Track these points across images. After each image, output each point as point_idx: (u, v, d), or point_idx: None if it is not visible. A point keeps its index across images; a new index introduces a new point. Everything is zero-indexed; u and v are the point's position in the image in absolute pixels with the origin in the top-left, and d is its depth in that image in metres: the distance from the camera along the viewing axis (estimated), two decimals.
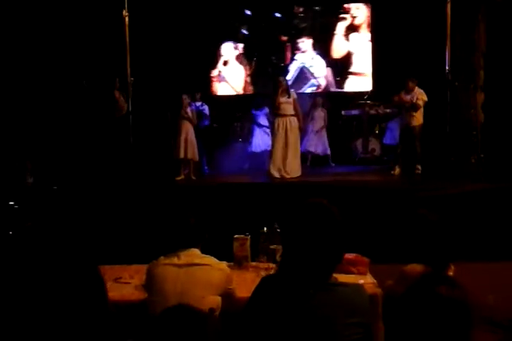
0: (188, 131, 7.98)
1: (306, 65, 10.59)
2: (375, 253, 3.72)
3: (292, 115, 7.58)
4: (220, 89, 10.70)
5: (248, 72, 10.63)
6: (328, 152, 9.44)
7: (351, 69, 10.52)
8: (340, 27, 10.48)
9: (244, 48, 10.67)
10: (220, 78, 10.68)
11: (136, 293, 3.01)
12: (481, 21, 7.75)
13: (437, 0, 7.50)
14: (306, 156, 9.17)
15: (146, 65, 8.66)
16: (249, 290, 2.03)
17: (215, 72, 10.65)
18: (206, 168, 8.99)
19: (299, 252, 1.86)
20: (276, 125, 7.61)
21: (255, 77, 10.60)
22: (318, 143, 9.40)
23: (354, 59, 10.47)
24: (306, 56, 10.61)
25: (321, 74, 10.44)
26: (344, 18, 10.44)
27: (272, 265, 3.37)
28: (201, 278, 2.66)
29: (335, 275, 1.95)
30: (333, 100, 10.06)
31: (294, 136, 7.61)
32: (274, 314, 1.85)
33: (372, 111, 9.75)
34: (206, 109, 8.93)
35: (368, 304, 1.93)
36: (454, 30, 7.45)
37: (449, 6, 7.28)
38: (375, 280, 3.17)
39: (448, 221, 2.92)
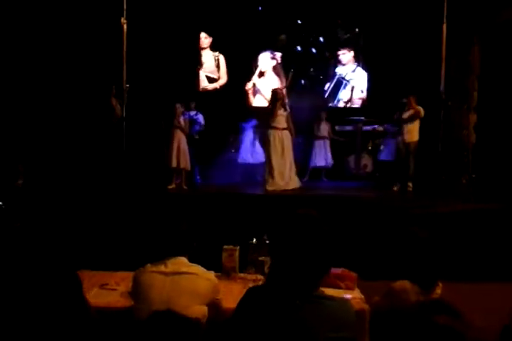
0: (181, 140, 7.99)
1: (346, 78, 10.51)
2: (364, 269, 3.72)
3: (285, 128, 7.67)
4: (256, 101, 10.56)
5: (284, 84, 10.41)
6: (329, 164, 9.53)
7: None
8: None
9: (282, 58, 10.51)
10: (255, 90, 10.56)
11: (122, 300, 2.98)
12: (476, 43, 7.85)
13: (434, 22, 7.58)
14: (317, 170, 9.34)
15: (142, 73, 8.68)
16: (236, 302, 2.02)
17: (249, 85, 10.54)
18: (198, 177, 8.99)
19: (286, 262, 1.85)
20: (271, 137, 7.65)
21: (290, 89, 10.32)
22: (326, 156, 9.54)
23: None
24: (346, 69, 10.48)
25: (363, 86, 10.30)
26: None
27: (260, 276, 3.35)
28: (187, 286, 2.64)
29: (322, 289, 1.94)
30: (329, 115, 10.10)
31: (288, 148, 7.69)
32: (259, 325, 1.84)
33: (366, 128, 9.80)
34: (200, 118, 8.97)
35: (354, 319, 1.92)
36: (450, 51, 7.54)
37: (444, 27, 7.37)
38: (362, 296, 3.16)
39: (437, 239, 2.93)
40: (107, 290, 3.16)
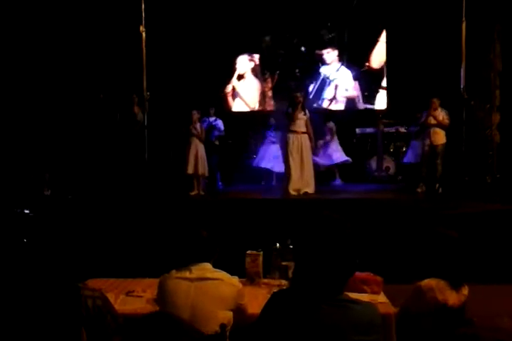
0: (198, 146, 7.99)
1: (330, 78, 10.46)
2: (389, 272, 3.69)
3: (304, 132, 7.61)
4: (235, 105, 10.67)
5: (270, 85, 10.46)
6: (344, 158, 9.37)
7: (384, 84, 10.35)
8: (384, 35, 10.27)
9: (261, 59, 10.46)
10: (235, 94, 10.62)
11: (148, 306, 3.01)
12: (496, 40, 7.75)
13: (453, 19, 7.52)
14: (327, 172, 9.25)
15: (162, 81, 8.77)
16: (261, 307, 2.02)
17: (229, 88, 10.58)
18: (220, 183, 9.02)
19: (311, 265, 1.85)
20: (291, 142, 7.57)
21: (276, 91, 10.37)
22: (334, 153, 9.35)
23: (388, 72, 10.31)
24: (330, 68, 10.42)
25: (348, 85, 10.24)
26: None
27: (284, 282, 3.35)
28: (212, 292, 2.66)
29: (347, 293, 1.94)
30: (347, 118, 10.03)
31: (307, 152, 7.64)
32: (284, 329, 1.85)
33: (387, 129, 9.73)
34: (220, 123, 8.99)
35: (380, 322, 1.91)
36: (470, 49, 7.46)
37: (464, 25, 7.29)
38: (388, 300, 3.14)
39: (465, 239, 2.92)
40: (133, 297, 3.19)
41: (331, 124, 9.44)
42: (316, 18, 10.22)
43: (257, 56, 10.52)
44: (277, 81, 10.43)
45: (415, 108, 8.09)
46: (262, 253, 3.50)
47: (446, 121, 7.74)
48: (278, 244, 3.55)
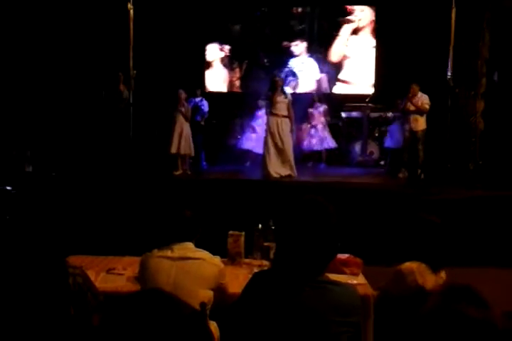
0: (183, 126, 7.94)
1: (295, 70, 10.41)
2: (368, 254, 3.73)
3: (285, 116, 7.57)
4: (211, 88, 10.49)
5: (238, 75, 10.39)
6: (332, 145, 9.35)
7: (340, 76, 10.40)
8: (346, 29, 10.29)
9: (231, 50, 10.37)
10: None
11: (128, 284, 3.01)
12: (485, 28, 7.75)
13: (442, 6, 7.49)
14: (311, 155, 9.21)
15: (149, 59, 8.66)
16: (242, 287, 2.03)
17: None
18: (204, 163, 9.00)
19: (292, 247, 1.86)
20: (270, 124, 7.59)
21: (245, 80, 10.28)
22: (323, 139, 9.30)
23: (346, 65, 10.35)
24: (298, 60, 10.36)
25: (311, 79, 10.11)
26: (351, 21, 10.25)
27: (265, 262, 3.37)
28: (194, 271, 2.66)
29: (327, 275, 1.95)
30: (333, 102, 10.02)
31: (287, 136, 7.61)
32: (265, 309, 1.86)
33: (373, 114, 9.73)
34: (205, 104, 8.92)
35: (359, 304, 1.93)
36: (458, 37, 7.45)
37: (453, 12, 7.28)
38: (366, 281, 3.18)
39: (445, 225, 2.95)
40: (114, 275, 3.18)
41: (324, 107, 9.42)
42: (285, 8, 10.23)
43: (227, 47, 10.39)
44: (246, 70, 10.33)
45: (402, 93, 8.09)
46: (243, 233, 3.51)
47: (426, 106, 7.74)
48: (260, 225, 3.56)
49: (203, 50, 10.33)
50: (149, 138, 8.81)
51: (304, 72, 10.34)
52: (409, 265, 2.76)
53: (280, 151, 7.56)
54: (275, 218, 3.18)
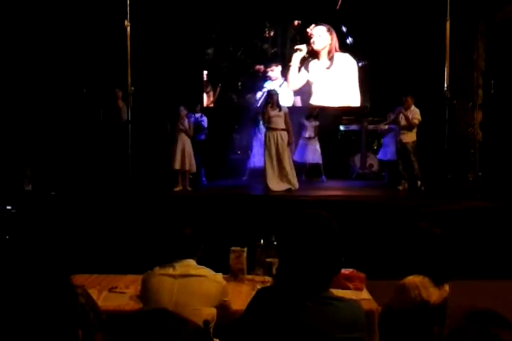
0: (185, 142, 7.97)
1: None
2: (372, 269, 3.71)
3: (283, 129, 7.59)
4: None
5: (212, 99, 10.45)
6: (321, 161, 9.38)
7: (312, 101, 10.47)
8: (296, 58, 10.44)
9: (208, 75, 10.44)
10: None
11: (131, 303, 2.99)
12: (479, 40, 7.81)
13: (437, 18, 7.56)
14: (300, 168, 9.19)
15: (147, 75, 8.70)
16: (245, 303, 2.02)
17: None
18: (204, 179, 9.00)
19: (295, 263, 1.85)
20: (267, 139, 7.64)
21: (218, 104, 10.36)
22: (310, 153, 9.35)
23: (314, 89, 10.44)
24: (275, 84, 10.46)
25: (287, 102, 9.98)
26: (299, 50, 10.39)
27: (268, 278, 3.35)
28: (196, 289, 2.65)
29: (331, 290, 1.94)
30: (330, 115, 10.06)
31: (285, 149, 7.62)
32: (269, 326, 1.84)
33: (371, 127, 9.78)
34: (205, 120, 8.97)
35: (363, 320, 1.92)
36: (454, 48, 7.50)
37: (448, 23, 7.33)
38: (371, 296, 3.16)
39: (446, 236, 2.94)
40: (116, 294, 3.17)
41: (316, 123, 9.44)
42: (259, 31, 10.35)
43: (205, 72, 10.48)
44: (219, 94, 10.41)
45: (397, 106, 8.14)
46: (246, 249, 3.50)
47: (415, 122, 7.86)
48: (262, 241, 3.55)
49: (202, 66, 10.38)
50: (148, 155, 8.82)
51: (280, 96, 10.36)
52: (412, 279, 2.74)
53: (278, 166, 7.57)
54: (277, 233, 3.17)
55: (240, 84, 10.44)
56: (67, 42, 8.55)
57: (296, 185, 7.66)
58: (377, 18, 9.95)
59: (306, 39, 10.45)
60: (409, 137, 7.93)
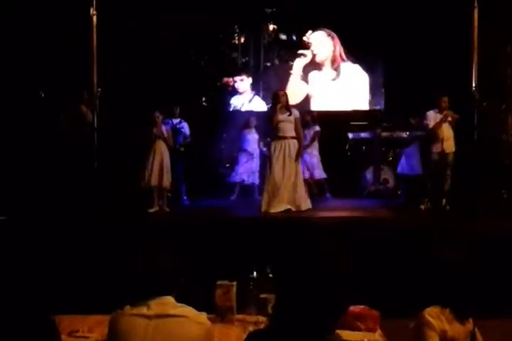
0: (163, 153, 8.01)
1: (242, 110, 10.60)
2: (386, 305, 3.72)
3: (293, 137, 7.56)
4: None
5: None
6: (324, 176, 9.43)
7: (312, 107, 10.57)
8: (298, 65, 10.52)
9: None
10: None
11: None
12: None
13: (463, 7, 7.62)
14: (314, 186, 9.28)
15: (117, 75, 8.74)
16: None
17: None
18: (185, 198, 9.00)
19: (295, 299, 1.85)
20: (273, 149, 7.58)
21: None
22: (311, 165, 9.37)
23: (313, 103, 10.57)
24: (242, 98, 10.54)
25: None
26: (303, 55, 10.49)
27: (261, 318, 3.35)
28: (176, 332, 2.64)
29: (338, 332, 1.94)
30: (336, 120, 10.11)
31: (293, 162, 7.56)
32: None
33: (386, 134, 9.82)
34: (185, 126, 8.97)
35: None
36: (482, 40, 7.56)
37: (475, 12, 7.37)
38: (385, 338, 3.16)
39: (475, 263, 2.98)
40: (77, 339, 3.15)
41: (314, 129, 9.47)
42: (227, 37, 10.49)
43: None
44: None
45: (417, 110, 8.18)
46: (235, 283, 3.50)
47: (453, 124, 7.85)
48: (255, 273, 3.55)
49: (180, 62, 10.46)
50: (117, 169, 8.82)
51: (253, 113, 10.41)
52: (431, 310, 2.84)
53: (283, 182, 7.50)
54: (274, 264, 3.18)
55: (204, 100, 10.57)
56: (19, 34, 8.57)
57: (304, 207, 7.61)
58: (392, 7, 10.07)
59: (305, 48, 10.59)
60: (452, 146, 7.95)
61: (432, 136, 8.04)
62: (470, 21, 7.44)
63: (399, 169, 9.24)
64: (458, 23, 7.94)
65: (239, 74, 10.60)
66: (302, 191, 7.71)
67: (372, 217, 7.60)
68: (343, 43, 10.67)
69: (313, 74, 10.64)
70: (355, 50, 10.62)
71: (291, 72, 10.59)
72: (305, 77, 10.62)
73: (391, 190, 9.69)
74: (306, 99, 10.63)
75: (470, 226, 6.61)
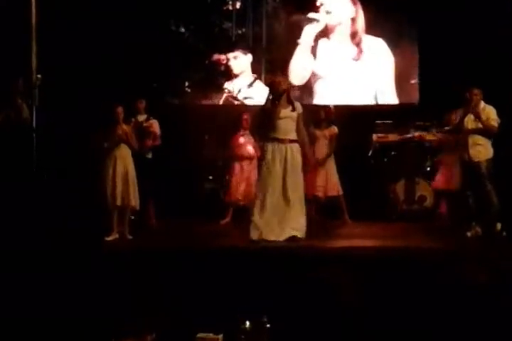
0: (127, 162, 8.01)
1: (239, 98, 10.72)
2: None
3: (294, 140, 7.53)
4: None
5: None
6: (341, 192, 9.49)
7: (316, 100, 10.72)
8: (308, 33, 10.56)
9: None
10: None
11: None
12: None
13: None
14: (308, 203, 9.28)
15: (63, 60, 8.80)
16: None
17: None
18: (154, 221, 9.01)
19: None
20: (268, 155, 7.52)
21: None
22: (323, 179, 9.45)
23: (317, 87, 10.68)
24: (239, 82, 10.67)
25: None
26: (315, 20, 10.54)
27: None
28: None
29: None
30: (353, 118, 10.17)
31: (295, 173, 7.54)
32: None
33: (422, 137, 9.86)
34: (155, 125, 9.02)
35: None
36: None
37: None
38: None
39: None
40: None
41: (329, 130, 9.56)
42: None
43: None
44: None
45: (450, 105, 8.27)
46: (221, 337, 3.56)
47: (493, 123, 7.91)
48: (248, 323, 3.61)
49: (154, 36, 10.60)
50: (64, 183, 8.85)
51: (253, 101, 10.59)
52: None
53: (281, 200, 7.50)
54: (271, 312, 3.25)
55: (186, 84, 10.73)
56: None
57: (300, 232, 7.56)
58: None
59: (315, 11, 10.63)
60: (483, 153, 7.98)
61: (458, 140, 8.19)
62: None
63: (434, 182, 9.34)
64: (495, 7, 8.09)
65: (233, 49, 10.68)
66: (302, 210, 7.64)
67: (404, 246, 7.63)
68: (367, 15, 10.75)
69: (322, 46, 10.65)
70: (382, 26, 10.71)
71: (299, 41, 10.62)
72: (314, 51, 10.68)
73: (429, 211, 9.67)
74: (309, 83, 10.74)
75: None
